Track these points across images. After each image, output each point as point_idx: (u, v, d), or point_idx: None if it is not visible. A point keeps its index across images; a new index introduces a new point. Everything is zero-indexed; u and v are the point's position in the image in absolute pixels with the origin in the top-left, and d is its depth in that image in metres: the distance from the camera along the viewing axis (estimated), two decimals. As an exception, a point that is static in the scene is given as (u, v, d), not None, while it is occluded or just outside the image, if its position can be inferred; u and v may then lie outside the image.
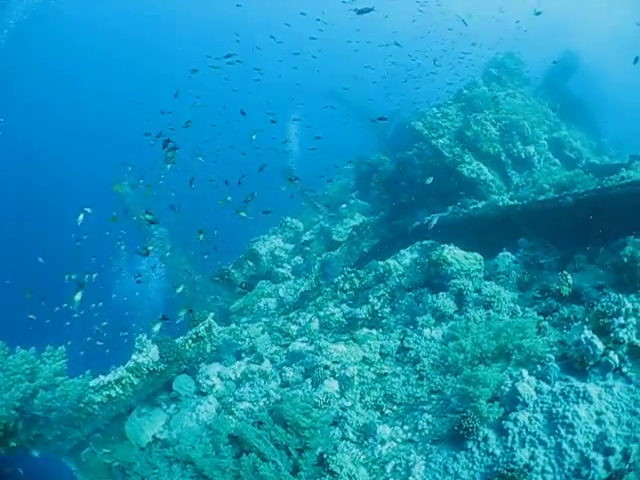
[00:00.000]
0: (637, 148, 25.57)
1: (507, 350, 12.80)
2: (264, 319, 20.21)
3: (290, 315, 19.55)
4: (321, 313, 18.82)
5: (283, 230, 27.31)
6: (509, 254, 18.23)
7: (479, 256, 17.67)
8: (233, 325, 19.51)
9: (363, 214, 26.28)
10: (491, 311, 15.67)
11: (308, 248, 25.16)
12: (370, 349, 15.96)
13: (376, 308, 17.94)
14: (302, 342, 17.33)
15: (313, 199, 30.07)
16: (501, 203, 20.63)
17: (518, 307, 15.63)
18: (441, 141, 23.85)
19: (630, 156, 21.88)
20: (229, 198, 20.89)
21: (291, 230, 27.17)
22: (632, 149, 26.78)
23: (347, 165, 32.45)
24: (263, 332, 18.70)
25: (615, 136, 34.73)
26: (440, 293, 16.78)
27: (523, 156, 24.59)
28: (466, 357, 12.83)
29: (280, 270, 24.31)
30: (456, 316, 16.13)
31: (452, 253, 17.52)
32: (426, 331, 15.83)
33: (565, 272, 15.33)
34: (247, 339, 18.25)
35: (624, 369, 11.06)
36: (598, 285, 14.98)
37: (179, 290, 21.81)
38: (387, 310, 17.86)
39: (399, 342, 15.92)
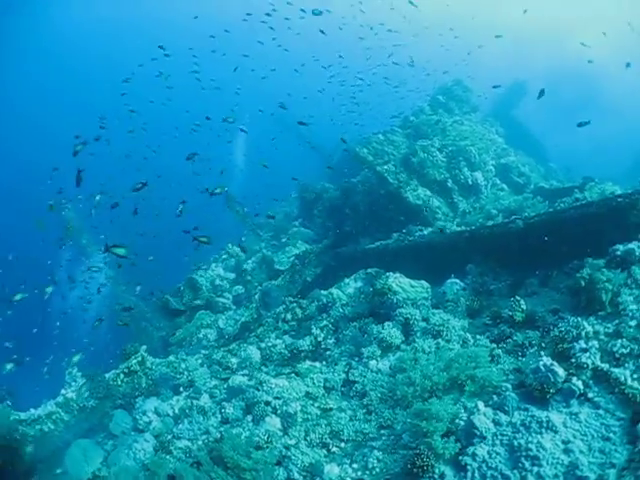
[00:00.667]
0: (587, 171, 25.40)
1: (460, 381, 11.96)
2: (203, 351, 19.11)
3: (230, 347, 18.41)
4: (262, 345, 17.79)
5: (224, 258, 26.29)
6: (457, 281, 17.45)
7: (426, 284, 16.85)
8: (171, 357, 18.29)
9: (306, 242, 25.61)
10: (440, 340, 14.71)
11: (249, 277, 24.28)
12: (314, 383, 14.82)
13: (319, 339, 16.90)
14: (242, 376, 16.23)
15: (255, 226, 29.06)
16: (448, 230, 19.82)
17: (469, 335, 14.72)
18: (386, 167, 23.17)
19: (583, 178, 21.37)
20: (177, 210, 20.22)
21: (232, 258, 26.12)
22: (582, 173, 26.68)
23: (292, 193, 32.04)
24: (202, 365, 17.56)
25: (564, 161, 34.63)
26: (386, 323, 15.76)
27: (470, 182, 24.05)
28: (416, 390, 12.03)
29: (220, 300, 23.31)
30: (403, 346, 15.15)
31: (398, 281, 16.61)
32: (372, 363, 14.74)
33: (517, 297, 14.58)
34: (185, 372, 17.04)
35: (590, 394, 10.52)
36: (553, 309, 14.27)
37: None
38: (331, 341, 16.78)
39: (344, 375, 14.85)
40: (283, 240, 26.41)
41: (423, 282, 16.81)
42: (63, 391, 14.07)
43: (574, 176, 29.76)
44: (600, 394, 10.46)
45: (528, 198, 20.70)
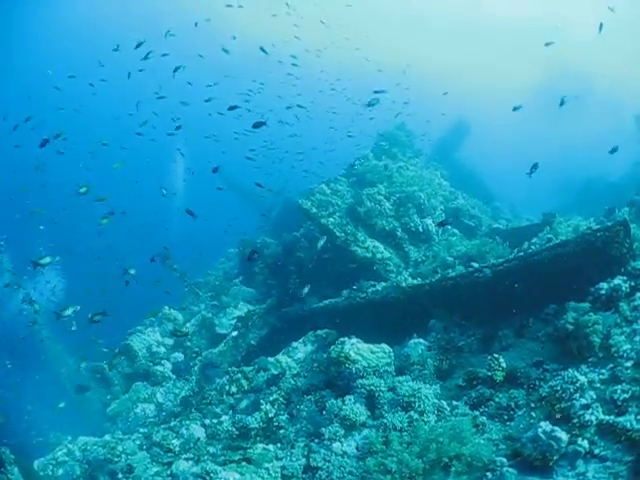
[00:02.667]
0: (532, 210, 25.46)
1: (443, 462, 10.03)
2: (142, 429, 16.48)
3: (172, 424, 15.74)
4: (207, 421, 15.26)
5: (161, 322, 23.57)
6: (421, 340, 15.24)
7: (387, 348, 14.43)
8: (107, 436, 15.79)
9: (249, 302, 23.27)
10: (413, 413, 12.32)
11: (189, 343, 21.78)
12: (269, 474, 12.12)
13: (270, 415, 14.29)
14: (187, 460, 13.66)
15: (193, 286, 26.52)
16: (404, 283, 17.56)
17: (444, 402, 12.57)
18: (332, 220, 20.90)
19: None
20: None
21: (170, 322, 23.48)
22: (526, 211, 26.55)
23: (230, 249, 29.73)
24: (141, 447, 14.90)
25: (508, 200, 33.17)
26: (347, 397, 13.25)
27: (420, 229, 22.03)
28: (394, 478, 9.91)
29: (158, 368, 20.66)
30: (370, 421, 12.73)
31: (355, 348, 14.13)
32: (336, 445, 12.19)
33: (495, 355, 12.77)
34: (123, 456, 14.44)
35: (596, 451, 9.44)
36: (535, 362, 12.69)
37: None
38: (284, 417, 14.16)
39: (304, 460, 12.25)
40: (223, 300, 23.93)
41: (384, 346, 14.43)
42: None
43: (520, 213, 29.11)
44: (606, 447, 9.45)
45: (486, 243, 18.86)
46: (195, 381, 17.93)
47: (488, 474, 9.63)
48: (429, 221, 22.34)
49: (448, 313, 15.64)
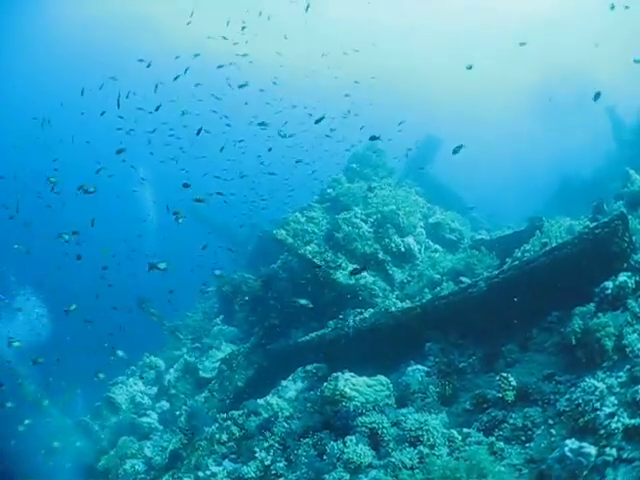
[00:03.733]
0: (510, 217, 25.29)
1: None
2: None
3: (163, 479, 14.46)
4: (200, 474, 13.96)
5: (142, 371, 22.53)
6: (419, 366, 13.94)
7: (384, 379, 13.27)
8: None
9: (232, 342, 22.12)
10: (422, 448, 11.06)
11: (174, 390, 20.57)
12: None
13: (267, 463, 12.98)
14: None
15: (174, 328, 25.31)
16: (394, 308, 16.53)
17: (454, 431, 11.36)
18: (309, 248, 19.90)
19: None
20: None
21: (152, 370, 22.41)
22: (504, 219, 26.06)
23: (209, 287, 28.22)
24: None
25: (484, 210, 32.24)
26: (347, 438, 11.88)
27: (402, 249, 20.95)
28: None
29: (144, 420, 19.50)
30: (376, 462, 11.41)
31: (350, 384, 12.95)
32: (342, 492, 10.92)
33: (504, 374, 11.67)
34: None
35: (624, 455, 8.69)
36: (547, 375, 11.69)
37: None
38: (282, 465, 12.80)
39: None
40: (205, 342, 22.84)
41: (381, 377, 13.28)
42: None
43: (498, 221, 28.31)
44: (635, 450, 8.69)
45: (473, 255, 18.04)
46: (182, 433, 16.57)
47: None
48: (410, 239, 21.39)
49: (443, 334, 14.58)
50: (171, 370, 21.80)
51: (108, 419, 20.06)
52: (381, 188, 24.06)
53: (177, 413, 18.38)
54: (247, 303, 22.80)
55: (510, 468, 9.55)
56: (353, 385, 12.80)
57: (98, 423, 20.09)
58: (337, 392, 12.71)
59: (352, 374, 13.27)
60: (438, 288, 16.78)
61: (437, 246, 22.58)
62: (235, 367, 19.22)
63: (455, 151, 17.04)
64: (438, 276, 18.31)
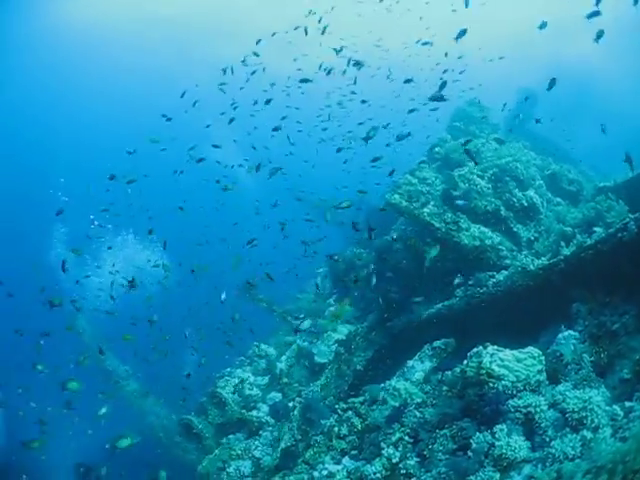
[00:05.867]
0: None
1: None
2: None
3: (273, 483, 12.51)
4: (316, 474, 12.14)
5: (252, 360, 20.81)
6: (570, 332, 11.48)
7: (535, 351, 10.73)
8: None
9: (348, 322, 19.90)
10: (585, 432, 8.79)
11: (286, 379, 18.67)
12: None
13: (395, 460, 10.81)
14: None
15: (285, 314, 23.31)
16: (532, 266, 14.27)
17: (617, 408, 9.09)
18: (427, 210, 17.63)
19: None
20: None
21: (261, 359, 20.60)
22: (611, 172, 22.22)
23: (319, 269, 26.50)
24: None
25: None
26: (497, 427, 9.62)
27: (525, 204, 18.81)
28: None
29: (254, 414, 17.58)
30: (530, 455, 9.13)
31: (497, 359, 10.48)
32: (492, 497, 8.60)
33: None
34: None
35: None
36: None
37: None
38: (413, 462, 10.63)
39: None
40: (320, 324, 20.69)
41: (532, 350, 10.75)
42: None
43: (606, 173, 24.28)
44: None
45: (601, 201, 16.44)
46: (296, 427, 14.67)
47: None
48: (532, 193, 19.31)
49: (590, 292, 12.20)
50: (283, 358, 20.16)
51: (213, 416, 18.35)
52: (490, 143, 22.14)
53: (290, 405, 16.51)
54: (362, 279, 20.62)
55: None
56: (501, 361, 10.40)
57: (202, 421, 18.48)
58: (482, 371, 10.34)
59: (496, 347, 10.90)
60: (574, 240, 14.81)
61: (558, 199, 20.68)
62: (353, 349, 17.28)
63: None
64: (569, 229, 16.48)
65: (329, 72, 22.98)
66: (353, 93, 27.99)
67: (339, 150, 23.57)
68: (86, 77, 76.56)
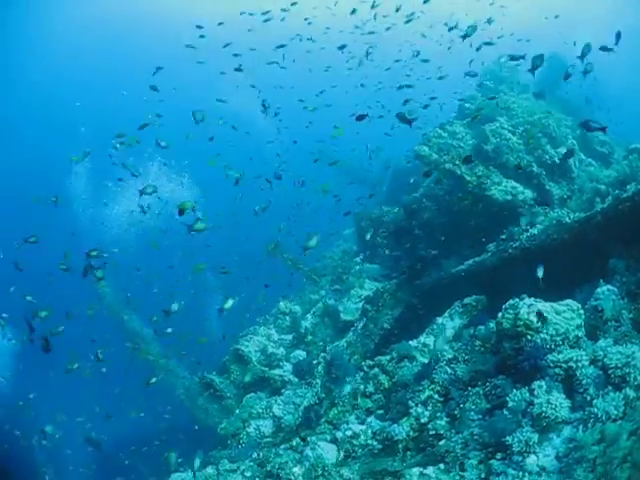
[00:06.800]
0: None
1: None
2: (255, 454, 12.22)
3: (294, 443, 11.75)
4: (339, 434, 11.41)
5: (276, 318, 20.31)
6: (609, 287, 10.71)
7: (574, 304, 9.85)
8: (209, 469, 11.93)
9: (375, 280, 19.54)
10: (628, 390, 8.08)
11: (311, 337, 18.20)
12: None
13: (424, 420, 10.16)
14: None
15: (310, 272, 22.83)
16: (568, 219, 13.69)
17: None
18: (458, 163, 17.15)
19: None
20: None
21: (286, 317, 20.03)
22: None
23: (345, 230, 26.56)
24: (252, 480, 10.94)
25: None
26: (535, 384, 8.84)
27: (557, 161, 18.31)
28: None
29: (277, 372, 17.10)
30: (570, 415, 8.43)
31: (536, 310, 9.59)
32: (530, 461, 7.91)
33: None
34: (227, 496, 10.57)
35: None
36: None
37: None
38: (443, 422, 9.95)
39: (483, 489, 8.05)
40: (346, 282, 20.43)
41: (570, 302, 9.87)
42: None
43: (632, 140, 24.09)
44: None
45: (634, 160, 16.18)
46: (320, 384, 14.06)
47: None
48: (564, 150, 18.56)
49: (626, 247, 11.71)
50: (308, 315, 19.60)
51: (236, 375, 17.75)
52: (521, 100, 21.59)
53: (314, 362, 15.88)
54: (390, 236, 20.37)
55: None
56: (541, 312, 9.55)
57: (224, 380, 17.88)
58: (520, 322, 9.54)
59: (535, 299, 10.05)
60: (609, 197, 14.11)
61: (590, 160, 20.14)
62: (381, 306, 16.55)
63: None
64: (603, 187, 16.17)
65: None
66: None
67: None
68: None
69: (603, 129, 11.42)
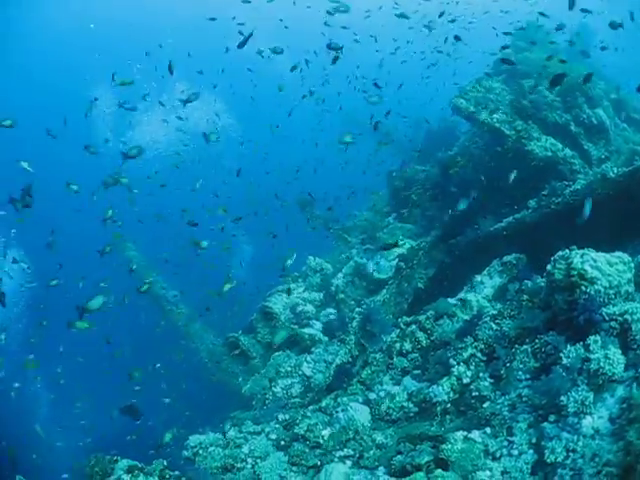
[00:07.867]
0: None
1: None
2: (281, 415, 11.45)
3: (323, 404, 11.19)
4: (372, 395, 10.84)
5: (306, 275, 19.72)
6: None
7: (626, 257, 9.06)
8: (232, 432, 11.22)
9: (409, 238, 18.72)
10: None
11: (342, 295, 17.41)
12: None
13: (466, 381, 9.48)
14: (343, 461, 9.16)
15: (341, 231, 22.22)
16: (612, 173, 12.85)
17: None
18: (496, 116, 16.63)
19: None
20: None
21: (316, 274, 19.48)
22: None
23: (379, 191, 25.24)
24: (277, 445, 10.29)
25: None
26: (591, 338, 8.06)
27: (595, 121, 17.99)
28: None
29: (306, 331, 16.41)
30: (623, 374, 7.72)
31: (590, 260, 8.80)
32: (586, 422, 7.24)
33: None
34: (249, 460, 9.89)
35: None
36: None
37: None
38: (487, 383, 9.24)
39: (533, 454, 7.41)
40: (380, 237, 19.83)
41: (621, 255, 9.06)
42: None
43: None
44: None
45: None
46: (354, 342, 13.51)
47: None
48: (601, 112, 18.39)
49: None
50: (339, 274, 18.82)
51: (263, 333, 17.13)
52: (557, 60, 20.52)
53: (347, 318, 15.35)
54: (425, 193, 19.69)
55: None
56: (593, 261, 8.79)
57: (250, 339, 17.20)
58: (574, 272, 8.72)
59: (588, 249, 9.22)
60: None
61: (625, 125, 19.96)
62: (415, 265, 16.02)
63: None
64: None
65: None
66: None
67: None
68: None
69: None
